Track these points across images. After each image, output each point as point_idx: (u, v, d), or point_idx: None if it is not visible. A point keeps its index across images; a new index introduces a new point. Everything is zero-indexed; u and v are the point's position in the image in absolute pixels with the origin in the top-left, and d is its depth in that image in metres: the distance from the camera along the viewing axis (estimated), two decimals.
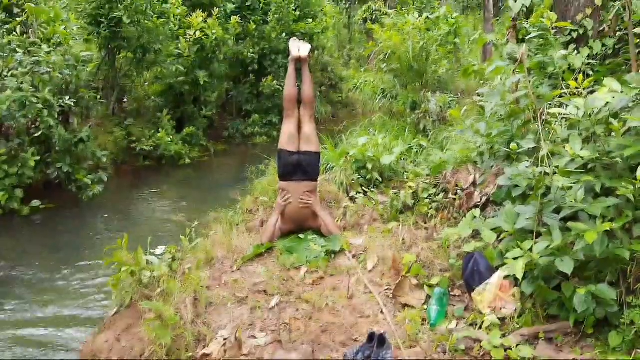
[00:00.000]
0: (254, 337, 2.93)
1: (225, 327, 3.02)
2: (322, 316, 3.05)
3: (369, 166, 5.06)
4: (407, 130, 6.94)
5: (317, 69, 13.10)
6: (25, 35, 6.87)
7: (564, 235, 2.68)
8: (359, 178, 5.05)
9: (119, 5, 8.24)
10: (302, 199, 4.17)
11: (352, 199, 4.79)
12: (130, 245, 3.52)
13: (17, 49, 6.50)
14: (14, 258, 5.27)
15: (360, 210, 4.58)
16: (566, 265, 2.57)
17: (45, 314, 4.20)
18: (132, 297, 3.44)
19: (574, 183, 2.68)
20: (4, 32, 6.73)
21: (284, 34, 10.96)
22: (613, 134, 2.81)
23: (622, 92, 2.80)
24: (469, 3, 22.15)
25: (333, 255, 3.85)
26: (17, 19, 6.87)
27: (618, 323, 2.56)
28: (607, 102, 2.72)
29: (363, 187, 5.00)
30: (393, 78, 8.45)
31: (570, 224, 2.64)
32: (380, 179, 5.10)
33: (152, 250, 3.72)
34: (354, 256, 3.83)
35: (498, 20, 16.83)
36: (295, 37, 4.81)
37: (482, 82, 7.01)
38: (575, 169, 2.76)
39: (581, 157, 2.71)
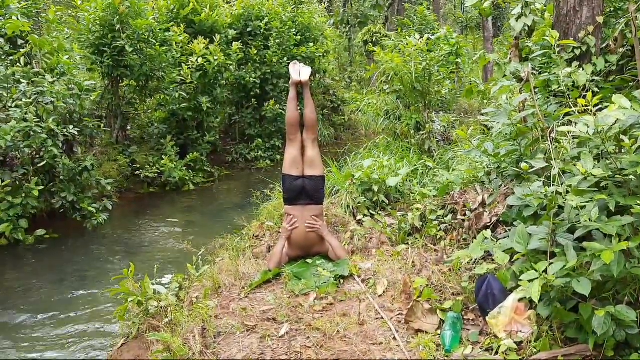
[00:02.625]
0: None
1: (234, 357, 2.95)
2: (333, 344, 2.98)
3: (375, 188, 5.03)
4: (411, 151, 6.93)
5: (319, 92, 13.16)
6: (29, 66, 6.93)
7: (579, 256, 2.62)
8: (365, 201, 5.01)
9: (122, 35, 8.33)
10: (308, 224, 4.13)
11: (359, 222, 4.75)
12: (136, 274, 3.48)
13: (21, 79, 6.54)
14: (19, 288, 5.22)
15: (368, 234, 4.53)
16: (583, 287, 2.50)
17: (50, 344, 4.13)
18: (139, 327, 3.39)
19: (587, 202, 2.63)
20: (8, 63, 6.78)
21: (285, 58, 11.04)
22: (624, 150, 2.77)
23: (631, 108, 2.77)
24: (468, 23, 22.37)
25: (342, 280, 3.79)
26: (21, 50, 6.93)
27: (639, 345, 2.49)
28: (617, 119, 2.68)
29: (369, 210, 4.96)
30: (396, 99, 8.47)
31: (585, 243, 2.58)
32: (387, 201, 5.06)
33: (158, 279, 3.68)
34: (363, 281, 3.76)
35: (497, 39, 16.96)
36: (295, 61, 4.82)
37: (485, 101, 7.02)
38: (588, 187, 2.71)
39: (593, 176, 2.67)
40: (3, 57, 6.93)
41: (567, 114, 3.21)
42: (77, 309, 4.70)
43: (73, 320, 4.50)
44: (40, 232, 6.34)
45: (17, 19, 7.04)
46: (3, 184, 6.02)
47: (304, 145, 4.38)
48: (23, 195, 6.15)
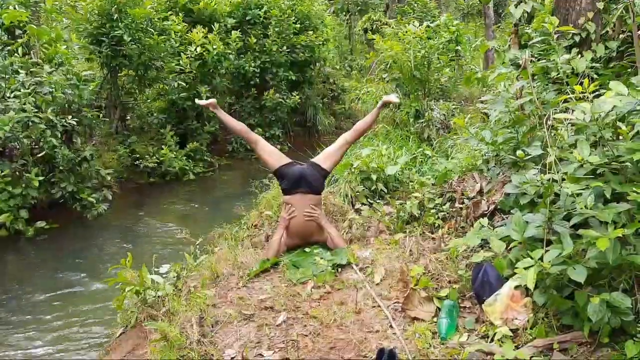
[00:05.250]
0: (262, 355, 2.87)
1: (232, 345, 2.96)
2: (330, 332, 2.99)
3: (374, 177, 5.02)
4: (411, 139, 6.90)
5: (319, 80, 13.11)
6: (27, 56, 6.91)
7: (575, 243, 2.62)
8: (363, 189, 5.00)
9: (120, 24, 8.29)
10: (306, 212, 4.12)
11: (358, 211, 4.75)
12: (135, 263, 3.48)
13: (19, 70, 6.53)
14: (20, 279, 5.25)
15: (366, 222, 4.53)
16: (579, 274, 2.50)
17: (51, 334, 4.16)
18: (137, 317, 3.40)
19: (583, 189, 2.63)
20: (6, 53, 6.76)
21: (284, 47, 10.99)
22: (621, 137, 2.75)
23: (628, 95, 2.75)
24: (469, 10, 22.20)
25: (340, 269, 3.79)
26: (19, 40, 6.91)
27: (634, 332, 2.49)
28: (614, 106, 2.67)
29: (368, 199, 4.96)
30: (395, 87, 8.40)
31: (581, 231, 2.58)
32: (386, 190, 5.05)
33: (156, 269, 3.69)
34: (361, 269, 3.77)
35: (499, 26, 16.85)
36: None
37: (484, 88, 6.98)
38: (584, 174, 2.70)
39: (590, 163, 2.66)
40: (1, 47, 6.91)
41: (565, 101, 3.20)
42: (77, 299, 4.73)
43: (72, 310, 4.53)
44: (40, 223, 6.35)
45: (15, 8, 7.01)
46: (3, 174, 6.03)
47: (336, 141, 4.38)
48: (23, 185, 6.16)
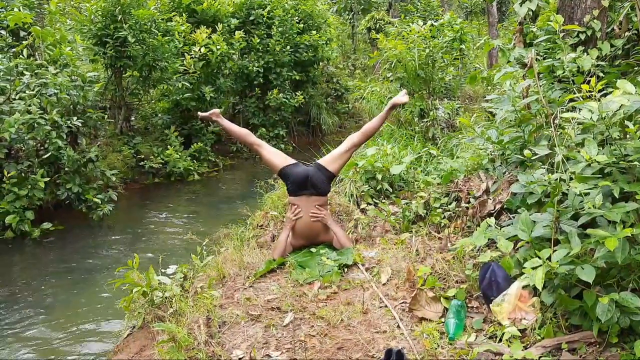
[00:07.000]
0: (269, 356, 2.87)
1: (239, 346, 2.96)
2: (337, 332, 2.99)
3: (379, 177, 5.02)
4: (415, 138, 6.89)
5: (322, 80, 13.12)
6: (32, 58, 6.93)
7: (583, 243, 2.61)
8: (368, 189, 5.00)
9: (124, 25, 8.31)
10: (312, 213, 4.11)
11: (363, 211, 4.74)
12: (141, 264, 3.49)
13: (24, 71, 6.55)
14: (26, 280, 5.26)
15: (372, 222, 4.53)
16: (587, 274, 2.49)
17: (57, 336, 4.17)
18: (145, 318, 3.41)
19: (591, 188, 2.61)
20: (10, 55, 6.78)
21: (288, 47, 11.00)
22: (629, 136, 2.74)
23: (636, 93, 2.73)
24: (472, 8, 22.16)
25: (346, 269, 3.79)
26: (24, 42, 6.92)
27: None
28: (622, 105, 2.65)
29: (373, 198, 4.96)
30: (399, 87, 8.39)
31: (589, 230, 2.57)
32: (391, 189, 5.05)
33: (163, 270, 3.69)
34: (367, 269, 3.76)
35: (503, 24, 16.81)
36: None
37: (489, 87, 6.96)
38: (592, 173, 2.69)
39: (597, 162, 2.64)
40: (6, 49, 6.94)
41: (571, 100, 3.19)
42: (83, 300, 4.74)
43: (79, 311, 4.54)
44: (46, 224, 6.37)
45: (19, 10, 7.03)
46: (9, 175, 6.06)
47: (343, 142, 4.30)
48: (29, 187, 6.18)
